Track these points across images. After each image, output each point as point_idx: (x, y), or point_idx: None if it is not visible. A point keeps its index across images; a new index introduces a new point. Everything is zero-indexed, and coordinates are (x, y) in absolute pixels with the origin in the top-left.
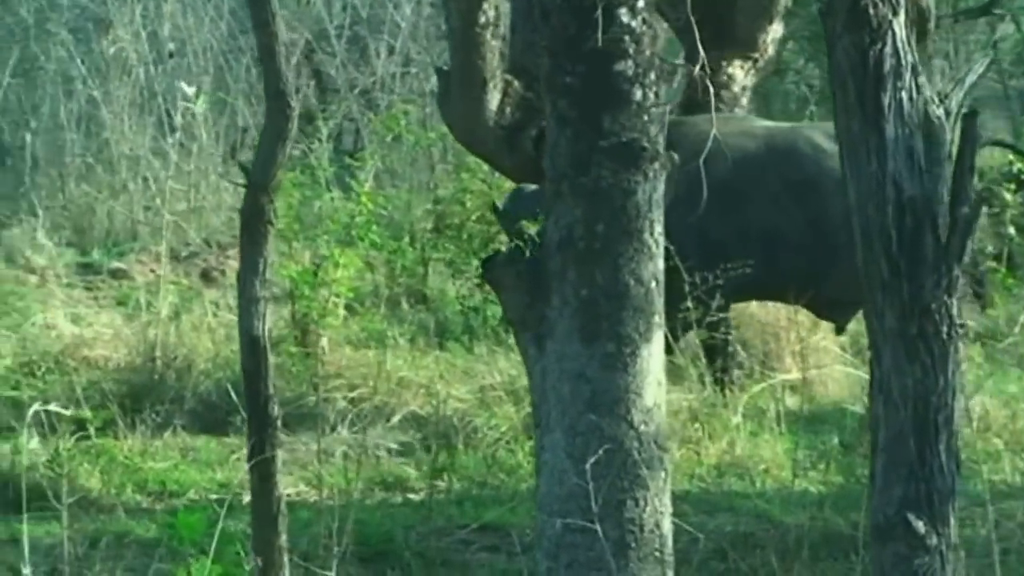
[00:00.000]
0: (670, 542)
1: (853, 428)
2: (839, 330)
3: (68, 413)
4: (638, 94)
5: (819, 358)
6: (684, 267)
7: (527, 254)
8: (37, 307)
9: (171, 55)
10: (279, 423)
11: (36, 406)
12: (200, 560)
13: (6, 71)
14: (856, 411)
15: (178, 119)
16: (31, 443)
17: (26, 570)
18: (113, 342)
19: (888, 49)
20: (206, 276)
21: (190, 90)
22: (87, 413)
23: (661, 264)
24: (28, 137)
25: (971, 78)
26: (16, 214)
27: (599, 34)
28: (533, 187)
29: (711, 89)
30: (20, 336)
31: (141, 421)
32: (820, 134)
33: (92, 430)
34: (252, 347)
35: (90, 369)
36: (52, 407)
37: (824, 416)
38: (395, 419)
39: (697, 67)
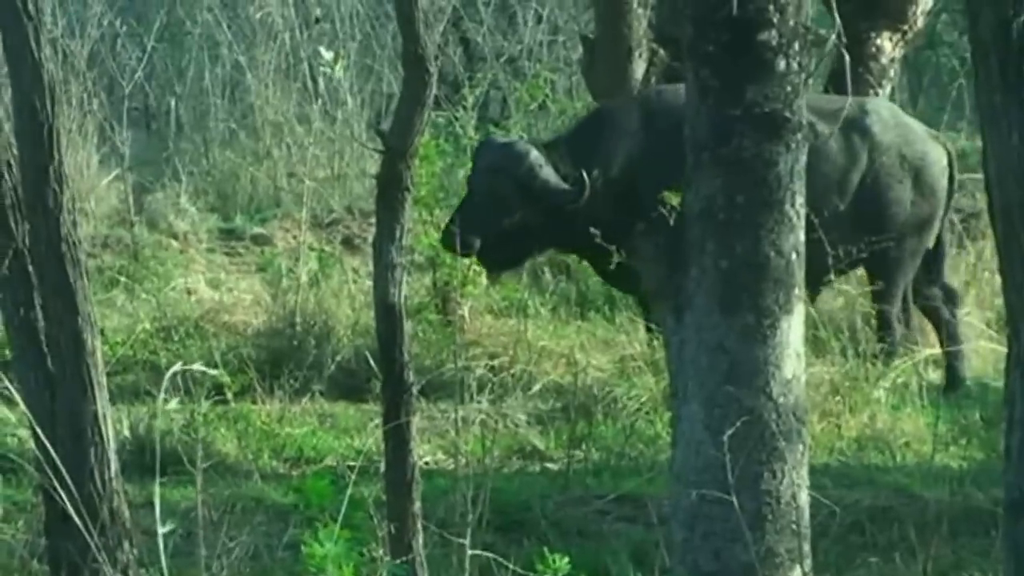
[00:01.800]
0: (807, 515)
1: (996, 403)
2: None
3: (210, 373)
4: (781, 64)
5: (963, 333)
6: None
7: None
8: (178, 272)
9: (317, 21)
10: (415, 390)
11: (175, 367)
12: (329, 526)
13: (151, 35)
14: (999, 386)
15: (322, 85)
16: (168, 406)
17: (162, 530)
18: (253, 308)
19: None
20: (347, 243)
21: (328, 55)
22: (225, 378)
23: (802, 236)
24: (173, 102)
25: None
26: (160, 179)
27: (736, 3)
28: (504, 138)
29: (847, 58)
30: (160, 300)
31: (279, 387)
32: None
33: (230, 395)
34: (388, 314)
35: (229, 334)
36: (192, 367)
37: (966, 391)
38: (534, 388)
39: (832, 37)
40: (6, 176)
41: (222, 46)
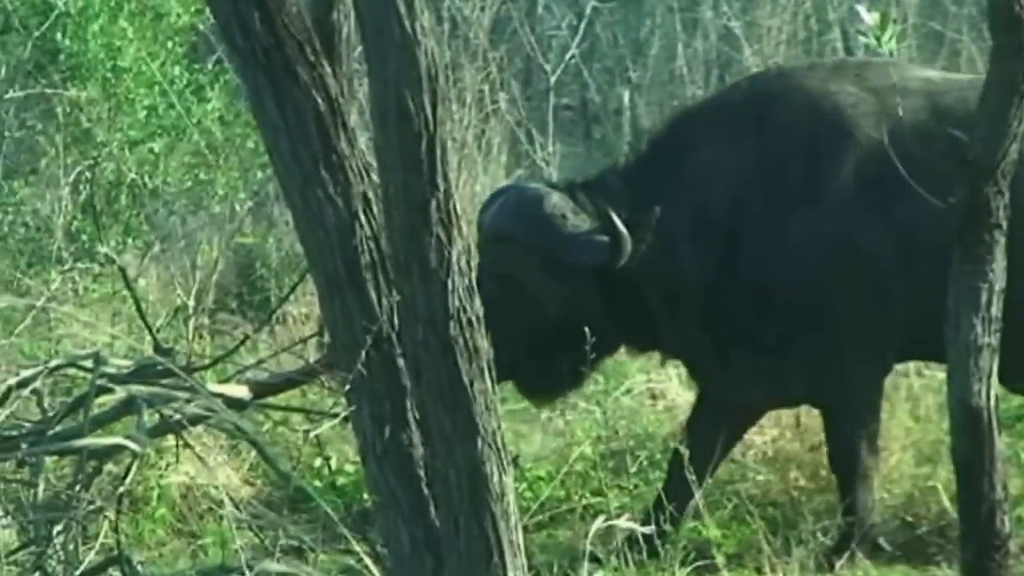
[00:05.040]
0: None
1: None
2: None
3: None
4: None
5: None
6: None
7: None
8: (636, 365)
9: None
10: (1013, 544)
11: (623, 520)
12: None
13: None
14: None
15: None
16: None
17: None
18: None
19: None
20: None
21: (871, 16)
22: (713, 531)
23: None
24: (627, 95)
25: None
26: None
27: None
28: (519, 185)
29: None
30: (608, 410)
31: (800, 542)
32: None
33: (720, 559)
34: (970, 423)
35: None
36: (636, 526)
37: None
38: None
39: None
40: (361, 217)
41: (703, 5)
